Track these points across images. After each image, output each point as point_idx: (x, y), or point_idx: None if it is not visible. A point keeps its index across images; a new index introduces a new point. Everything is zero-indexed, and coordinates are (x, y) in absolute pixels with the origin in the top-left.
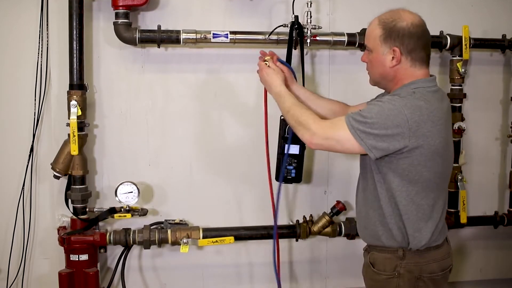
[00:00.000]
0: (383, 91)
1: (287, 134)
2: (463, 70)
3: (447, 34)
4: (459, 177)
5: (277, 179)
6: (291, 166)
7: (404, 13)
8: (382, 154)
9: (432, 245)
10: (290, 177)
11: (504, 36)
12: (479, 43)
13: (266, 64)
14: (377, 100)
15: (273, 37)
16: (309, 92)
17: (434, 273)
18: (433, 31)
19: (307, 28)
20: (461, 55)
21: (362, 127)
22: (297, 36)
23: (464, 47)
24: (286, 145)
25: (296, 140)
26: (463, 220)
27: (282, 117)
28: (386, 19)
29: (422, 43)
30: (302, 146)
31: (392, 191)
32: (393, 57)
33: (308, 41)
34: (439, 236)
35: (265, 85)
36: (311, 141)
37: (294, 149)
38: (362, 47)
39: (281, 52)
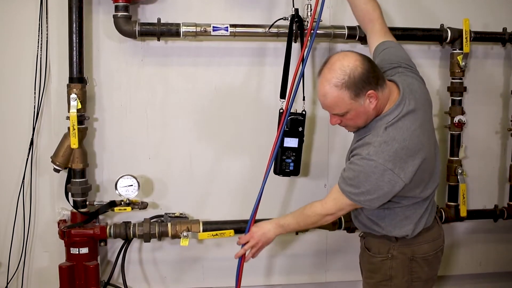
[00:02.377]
0: None
1: (287, 127)
2: (463, 63)
3: (448, 28)
4: (459, 171)
5: (275, 171)
6: (289, 159)
7: (345, 62)
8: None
9: (422, 228)
10: (288, 170)
11: (504, 29)
12: (480, 37)
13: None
14: (355, 157)
15: (273, 30)
16: None
17: (427, 253)
18: (434, 24)
19: (307, 21)
20: (461, 49)
21: (363, 198)
22: (297, 29)
23: (464, 40)
24: (285, 139)
25: (294, 133)
26: (463, 213)
27: (281, 111)
28: (343, 79)
29: (376, 68)
30: (300, 140)
31: (385, 206)
32: (370, 100)
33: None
34: (427, 220)
35: (265, 240)
36: (334, 218)
37: (292, 142)
38: (362, 40)
39: (281, 45)
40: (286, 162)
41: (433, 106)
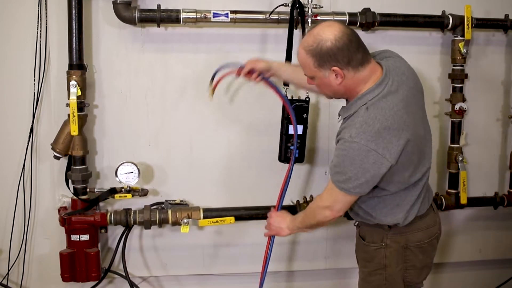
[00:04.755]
0: None
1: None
2: (465, 50)
3: (449, 14)
4: (460, 158)
5: (280, 159)
6: (294, 147)
7: (323, 31)
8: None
9: (415, 216)
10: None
11: (506, 16)
12: (481, 23)
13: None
14: (339, 141)
15: (274, 16)
16: (288, 65)
17: (421, 241)
18: (436, 10)
19: (308, 8)
20: (463, 35)
21: (351, 184)
22: (298, 15)
23: (466, 27)
24: (290, 126)
25: (298, 120)
26: (463, 201)
27: (285, 97)
28: (311, 46)
29: (354, 48)
30: (305, 127)
31: (372, 193)
32: (336, 75)
33: (309, 20)
34: (421, 207)
35: (277, 233)
36: (335, 215)
37: (297, 129)
38: (363, 27)
39: (282, 31)
40: (291, 149)
41: (434, 93)
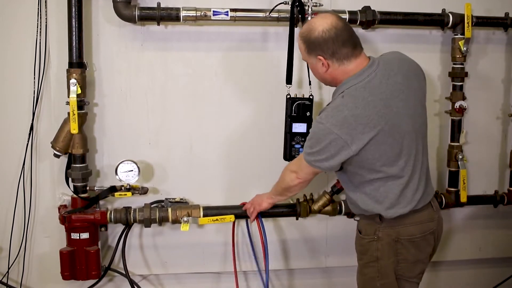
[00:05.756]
0: None
1: (294, 113)
2: (465, 48)
3: (450, 12)
4: (460, 156)
5: (285, 157)
6: (299, 145)
7: (316, 21)
8: (339, 166)
9: (408, 212)
10: (297, 156)
11: (506, 14)
12: (482, 21)
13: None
14: (312, 125)
15: (274, 14)
16: None
17: (413, 235)
18: (436, 9)
19: (308, 6)
20: (463, 34)
21: (313, 158)
22: (298, 13)
23: (466, 25)
24: (293, 124)
25: (302, 118)
26: (463, 199)
27: (288, 96)
28: (303, 33)
29: (339, 42)
30: (309, 125)
31: (353, 181)
32: (322, 64)
33: (309, 18)
34: (415, 204)
35: (259, 205)
36: (302, 183)
37: (300, 128)
38: (363, 25)
39: (282, 30)
40: (296, 148)
41: (434, 91)
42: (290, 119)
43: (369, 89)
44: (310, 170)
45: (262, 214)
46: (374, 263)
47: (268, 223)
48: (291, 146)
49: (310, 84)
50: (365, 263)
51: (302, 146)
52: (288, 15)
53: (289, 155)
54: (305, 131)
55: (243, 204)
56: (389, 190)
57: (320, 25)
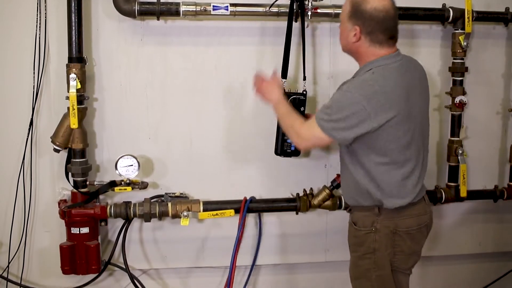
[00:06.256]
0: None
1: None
2: (465, 43)
3: (450, 7)
4: (460, 151)
5: (276, 152)
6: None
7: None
8: (352, 140)
9: (406, 204)
10: (289, 151)
11: (507, 9)
12: (482, 16)
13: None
14: (338, 90)
15: (274, 9)
16: None
17: (410, 227)
18: (436, 3)
19: (308, 1)
20: (463, 28)
21: (331, 125)
22: (297, 8)
23: (466, 20)
24: None
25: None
26: (463, 194)
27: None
28: (356, 1)
29: (381, 27)
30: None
31: (359, 160)
32: (354, 34)
33: (309, 13)
34: (414, 196)
35: (266, 95)
36: (300, 145)
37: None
38: None
39: (282, 24)
40: (288, 143)
41: (434, 86)
42: None
43: (398, 73)
44: (321, 136)
45: (264, 210)
46: (371, 254)
47: (268, 217)
48: (283, 141)
49: (304, 79)
50: (361, 254)
51: None
52: (288, 10)
53: (280, 149)
54: None
55: (245, 199)
56: (393, 177)
57: (375, 1)
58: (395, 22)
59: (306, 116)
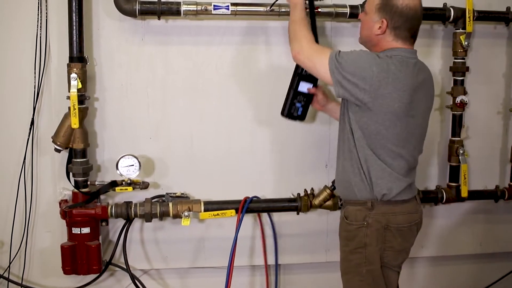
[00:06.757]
0: None
1: (305, 72)
2: (466, 43)
3: (451, 7)
4: (461, 151)
5: (282, 113)
6: (299, 104)
7: None
8: (344, 94)
9: (398, 199)
10: (296, 115)
11: (508, 8)
12: (483, 16)
13: None
14: (360, 50)
15: (275, 9)
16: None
17: (401, 224)
18: (437, 3)
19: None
20: (464, 28)
21: (337, 64)
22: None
23: (467, 19)
24: (301, 83)
25: (311, 79)
26: (464, 194)
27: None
28: None
29: (408, 25)
30: (314, 86)
31: (356, 143)
32: (380, 27)
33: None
34: (404, 193)
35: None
36: (297, 55)
37: (305, 87)
38: None
39: (283, 24)
40: (296, 106)
41: (435, 86)
42: (299, 77)
43: (412, 69)
44: (320, 65)
45: (264, 210)
46: (362, 249)
47: (268, 218)
48: (292, 104)
49: None
50: (352, 249)
51: (302, 106)
52: (288, 9)
53: (287, 111)
54: (307, 92)
55: (245, 198)
56: (394, 170)
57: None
58: (420, 23)
59: (317, 82)
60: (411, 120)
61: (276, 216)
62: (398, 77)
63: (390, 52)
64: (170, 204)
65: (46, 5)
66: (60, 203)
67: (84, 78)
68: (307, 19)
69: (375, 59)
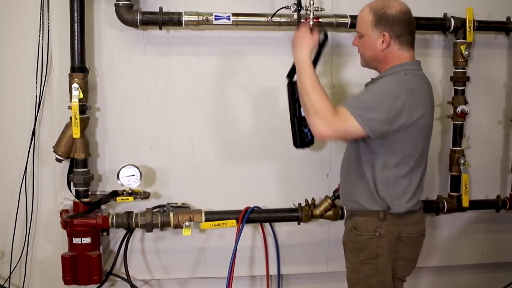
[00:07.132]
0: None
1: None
2: (466, 53)
3: (451, 17)
4: (462, 161)
5: (296, 145)
6: (307, 129)
7: (392, 2)
8: (383, 135)
9: (408, 210)
10: (307, 140)
11: (508, 18)
12: (483, 26)
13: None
14: (375, 84)
15: (276, 19)
16: None
17: (412, 234)
18: (437, 13)
19: (310, 10)
20: (465, 38)
21: (368, 114)
22: (300, 18)
23: (468, 29)
24: (301, 108)
25: None
26: (465, 203)
27: (293, 81)
28: (377, 7)
29: (408, 29)
30: None
31: (374, 160)
32: (383, 41)
33: (311, 23)
34: (416, 203)
35: (293, 45)
36: (324, 133)
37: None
38: None
39: (283, 34)
40: (305, 132)
41: (436, 96)
42: (297, 102)
43: (424, 80)
44: (353, 126)
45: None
46: (373, 260)
47: (269, 228)
48: (301, 132)
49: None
50: (362, 260)
51: (309, 130)
52: (289, 19)
53: (300, 141)
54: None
55: (246, 208)
56: (402, 181)
57: (398, 5)
58: (414, 25)
59: None
60: (429, 130)
61: (277, 226)
62: (421, 94)
63: (399, 68)
64: (171, 214)
65: (48, 15)
66: (61, 213)
67: (85, 88)
68: (317, 78)
69: (398, 84)
